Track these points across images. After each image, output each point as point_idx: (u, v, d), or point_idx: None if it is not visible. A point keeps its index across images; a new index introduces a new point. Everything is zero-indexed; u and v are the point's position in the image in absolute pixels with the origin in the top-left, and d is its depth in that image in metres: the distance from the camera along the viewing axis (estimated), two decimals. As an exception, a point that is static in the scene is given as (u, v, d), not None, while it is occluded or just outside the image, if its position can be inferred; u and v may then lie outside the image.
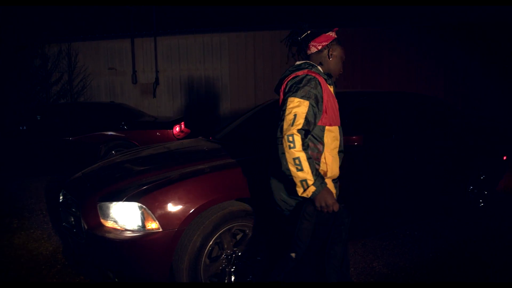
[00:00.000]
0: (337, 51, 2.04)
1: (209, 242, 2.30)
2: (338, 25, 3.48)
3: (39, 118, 6.21)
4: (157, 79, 10.49)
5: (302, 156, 1.75)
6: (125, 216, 2.27)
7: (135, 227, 2.24)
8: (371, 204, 3.04)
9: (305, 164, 1.75)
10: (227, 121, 4.07)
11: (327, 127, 1.94)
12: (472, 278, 2.77)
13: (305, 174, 1.76)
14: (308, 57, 2.06)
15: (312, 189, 1.77)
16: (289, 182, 1.87)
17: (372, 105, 3.35)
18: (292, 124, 1.77)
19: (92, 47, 10.60)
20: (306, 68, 1.97)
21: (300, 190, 1.80)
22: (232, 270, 2.44)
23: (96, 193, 2.45)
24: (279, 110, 1.91)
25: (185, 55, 10.47)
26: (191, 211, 2.24)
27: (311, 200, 1.81)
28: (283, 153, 1.77)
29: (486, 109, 8.88)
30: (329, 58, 2.03)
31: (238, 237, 2.49)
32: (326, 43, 2.01)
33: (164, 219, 2.21)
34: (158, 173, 2.52)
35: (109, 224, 2.33)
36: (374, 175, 3.02)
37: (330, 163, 1.96)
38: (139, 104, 10.45)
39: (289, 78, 1.95)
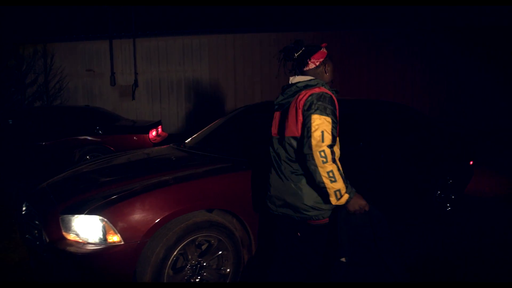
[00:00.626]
0: (330, 66, 2.15)
1: (173, 253, 2.31)
2: (318, 28, 3.51)
3: (11, 122, 6.07)
4: (136, 81, 10.39)
5: (335, 168, 1.87)
6: (86, 229, 2.25)
7: (97, 240, 2.23)
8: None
9: (338, 175, 1.87)
10: (206, 123, 4.08)
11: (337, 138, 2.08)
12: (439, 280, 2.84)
13: (339, 184, 1.88)
14: (303, 72, 2.11)
15: (346, 197, 1.90)
16: (322, 193, 1.96)
17: (341, 112, 3.39)
18: (323, 141, 1.87)
19: (69, 48, 10.41)
20: (316, 85, 2.03)
21: (333, 200, 1.91)
22: (197, 280, 2.45)
23: (59, 206, 2.41)
24: (302, 127, 1.95)
25: (165, 57, 10.39)
26: (153, 224, 2.24)
27: (344, 206, 1.94)
28: (315, 168, 1.87)
29: (480, 110, 9.08)
30: (325, 73, 2.13)
31: (203, 247, 2.50)
32: (322, 59, 2.11)
33: (126, 232, 2.20)
34: (123, 184, 2.51)
35: (71, 237, 2.30)
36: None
37: (341, 168, 2.09)
38: (118, 106, 10.33)
39: (306, 96, 1.96)
